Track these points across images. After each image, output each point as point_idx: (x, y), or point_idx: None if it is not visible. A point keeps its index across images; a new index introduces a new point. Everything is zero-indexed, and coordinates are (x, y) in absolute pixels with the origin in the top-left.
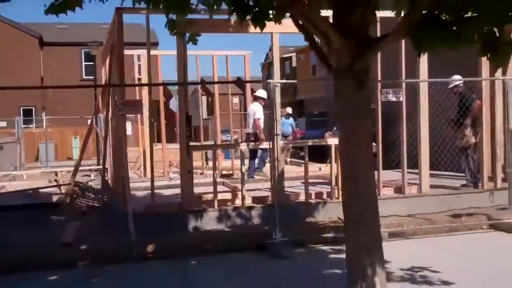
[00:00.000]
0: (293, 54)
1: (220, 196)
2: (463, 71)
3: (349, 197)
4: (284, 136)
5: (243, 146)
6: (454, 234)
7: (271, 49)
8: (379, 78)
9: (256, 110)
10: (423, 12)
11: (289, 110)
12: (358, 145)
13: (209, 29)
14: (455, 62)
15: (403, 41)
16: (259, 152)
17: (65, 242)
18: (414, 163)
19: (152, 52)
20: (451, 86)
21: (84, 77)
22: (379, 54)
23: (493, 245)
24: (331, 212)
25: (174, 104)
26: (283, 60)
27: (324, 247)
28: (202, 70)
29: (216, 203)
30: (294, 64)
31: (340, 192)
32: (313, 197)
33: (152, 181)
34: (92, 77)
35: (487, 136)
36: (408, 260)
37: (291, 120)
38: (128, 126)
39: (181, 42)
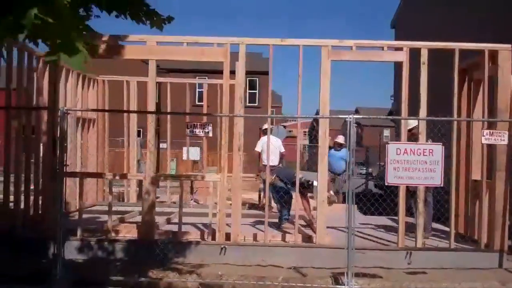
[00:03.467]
0: None
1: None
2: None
3: None
4: (336, 174)
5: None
6: None
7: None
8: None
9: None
10: None
11: (340, 139)
12: None
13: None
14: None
15: None
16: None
17: None
18: None
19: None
20: (408, 128)
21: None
22: None
23: None
24: (200, 255)
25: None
26: None
27: None
28: None
29: (79, 233)
30: None
31: (218, 233)
32: (205, 236)
33: None
34: None
35: None
36: None
37: (343, 152)
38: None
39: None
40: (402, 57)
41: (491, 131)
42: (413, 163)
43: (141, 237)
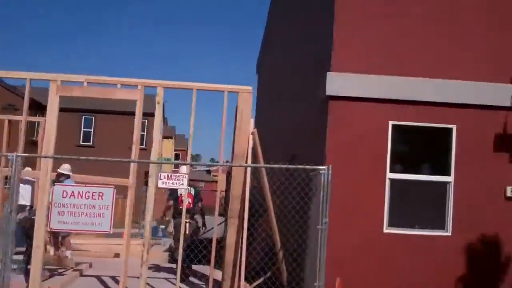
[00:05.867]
0: None
1: None
2: None
3: None
4: None
5: None
6: None
7: None
8: None
9: None
10: None
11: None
12: None
13: None
14: None
15: None
16: None
17: None
18: None
19: None
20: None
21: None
22: None
23: None
24: None
25: None
26: None
27: None
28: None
29: None
30: None
31: None
32: None
33: None
34: None
35: None
36: None
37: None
38: None
39: None
40: (137, 95)
41: (169, 174)
42: (80, 207)
43: None
